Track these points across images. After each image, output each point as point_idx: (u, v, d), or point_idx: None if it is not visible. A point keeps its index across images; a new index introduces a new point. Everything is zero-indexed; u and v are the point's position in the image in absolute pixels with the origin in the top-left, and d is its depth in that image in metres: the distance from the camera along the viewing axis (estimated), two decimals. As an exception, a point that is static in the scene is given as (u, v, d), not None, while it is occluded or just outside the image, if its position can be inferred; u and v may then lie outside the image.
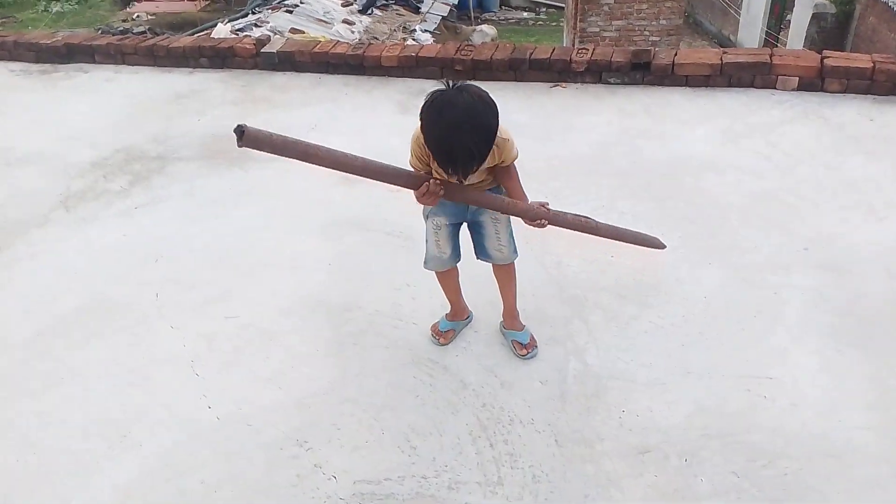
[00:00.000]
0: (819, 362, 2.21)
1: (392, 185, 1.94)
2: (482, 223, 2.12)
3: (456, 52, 4.33)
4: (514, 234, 2.16)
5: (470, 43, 5.70)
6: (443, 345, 2.31)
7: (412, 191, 1.90)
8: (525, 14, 21.09)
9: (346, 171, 1.84)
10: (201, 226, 3.06)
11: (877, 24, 11.55)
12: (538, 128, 3.69)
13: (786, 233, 2.80)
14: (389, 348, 2.34)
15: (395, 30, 12.51)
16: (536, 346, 2.26)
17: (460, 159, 1.74)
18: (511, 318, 2.29)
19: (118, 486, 1.93)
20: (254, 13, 12.58)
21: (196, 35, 10.41)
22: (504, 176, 2.02)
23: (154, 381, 2.27)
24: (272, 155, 3.63)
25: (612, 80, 4.13)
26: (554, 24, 19.70)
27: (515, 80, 4.25)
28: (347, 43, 4.88)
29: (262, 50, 4.61)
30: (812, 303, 2.45)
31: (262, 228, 3.03)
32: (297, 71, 4.55)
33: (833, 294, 2.48)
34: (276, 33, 10.51)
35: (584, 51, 4.24)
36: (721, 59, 3.92)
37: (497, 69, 4.24)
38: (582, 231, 2.23)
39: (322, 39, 10.36)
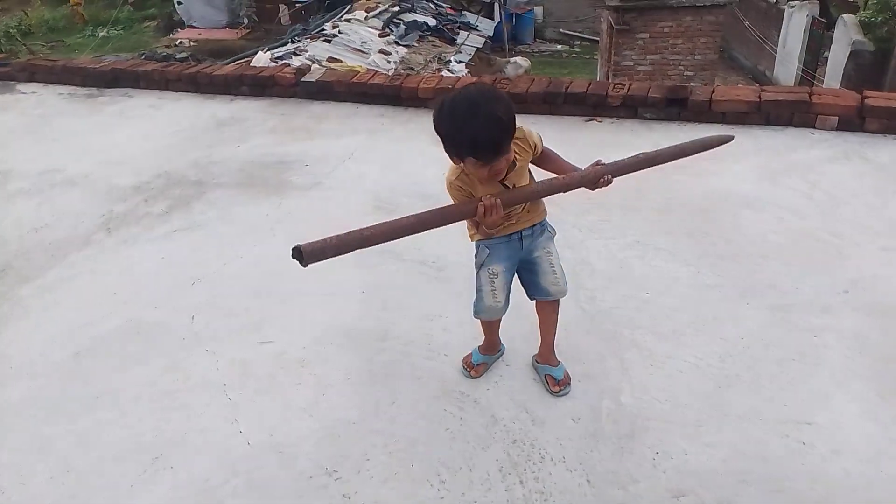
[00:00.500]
0: (862, 408, 2.15)
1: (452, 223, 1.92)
2: (536, 260, 2.09)
3: (492, 85, 4.37)
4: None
5: (505, 76, 5.75)
6: (474, 378, 2.30)
7: (476, 219, 1.85)
8: (559, 46, 21.25)
9: (406, 234, 1.84)
10: (238, 251, 3.10)
11: (917, 62, 11.40)
12: (573, 161, 3.67)
13: (827, 273, 2.75)
14: (421, 380, 2.33)
15: (430, 60, 12.68)
16: (570, 384, 2.23)
17: (488, 132, 1.68)
18: (547, 354, 2.27)
19: (150, 511, 1.94)
20: (293, 42, 12.86)
21: (237, 63, 10.69)
22: (546, 162, 2.02)
23: (188, 405, 2.29)
24: (310, 184, 3.70)
25: (647, 116, 4.13)
26: (588, 56, 19.81)
27: (550, 114, 4.27)
28: (385, 74, 4.97)
29: (301, 79, 4.71)
30: (854, 347, 2.39)
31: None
32: (335, 100, 4.64)
33: (876, 338, 2.41)
34: (314, 62, 10.73)
35: (620, 86, 4.25)
36: (759, 97, 3.90)
37: (532, 102, 4.26)
38: (647, 166, 2.17)
39: (359, 69, 10.55)
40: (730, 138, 2.29)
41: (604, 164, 1.97)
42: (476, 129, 1.68)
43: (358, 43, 12.70)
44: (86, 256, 3.16)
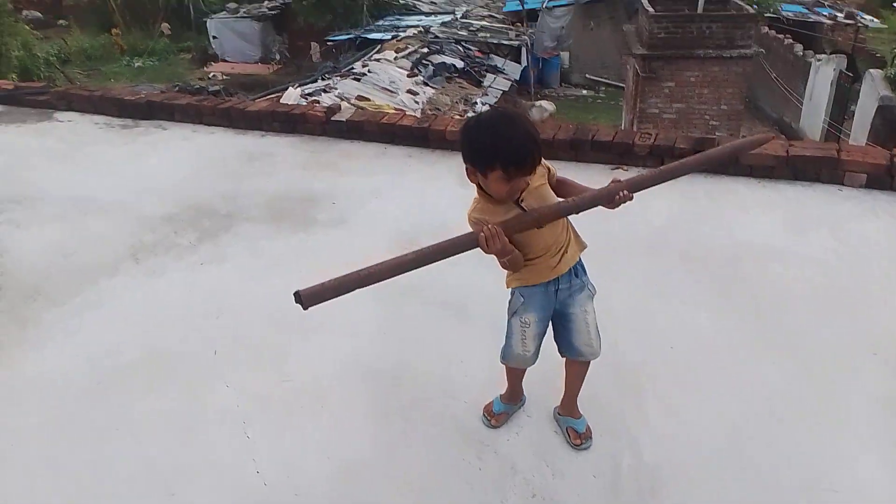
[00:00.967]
0: (889, 475, 2.09)
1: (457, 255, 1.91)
2: (571, 316, 2.05)
3: (519, 130, 4.41)
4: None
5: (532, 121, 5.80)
6: (494, 427, 2.27)
7: (483, 250, 1.83)
8: (584, 91, 21.46)
9: (406, 271, 1.85)
10: (263, 285, 3.13)
11: (946, 119, 11.34)
12: (599, 209, 3.69)
13: (854, 332, 2.70)
14: (438, 425, 2.32)
15: (456, 102, 12.87)
16: (591, 437, 2.20)
17: (522, 145, 1.71)
18: (570, 406, 2.24)
19: (162, 546, 1.93)
20: (323, 79, 13.14)
21: (267, 97, 10.92)
22: (563, 187, 2.01)
23: (206, 439, 2.29)
24: (336, 221, 3.73)
25: (674, 165, 4.13)
26: (613, 102, 19.96)
27: (576, 161, 4.29)
28: (414, 115, 5.04)
29: (332, 118, 4.79)
30: (882, 409, 2.34)
31: (321, 292, 3.08)
32: (363, 139, 4.70)
33: (905, 402, 2.36)
34: (343, 99, 10.93)
35: (647, 135, 4.27)
36: (787, 152, 3.89)
37: (558, 148, 4.29)
38: (670, 178, 2.09)
39: (387, 108, 10.74)
40: (768, 138, 2.17)
41: (622, 181, 1.92)
42: (511, 141, 1.71)
43: (386, 82, 12.94)
44: (113, 284, 3.20)
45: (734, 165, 3.98)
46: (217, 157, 4.61)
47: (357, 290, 2.79)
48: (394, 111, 8.65)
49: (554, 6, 21.80)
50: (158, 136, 5.08)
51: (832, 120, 15.26)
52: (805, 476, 2.08)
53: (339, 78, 13.13)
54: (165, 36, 28.08)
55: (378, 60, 14.62)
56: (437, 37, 17.91)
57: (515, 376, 2.26)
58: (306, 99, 11.13)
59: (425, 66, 14.78)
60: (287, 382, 2.54)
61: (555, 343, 2.15)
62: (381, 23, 21.47)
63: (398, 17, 22.59)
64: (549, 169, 1.95)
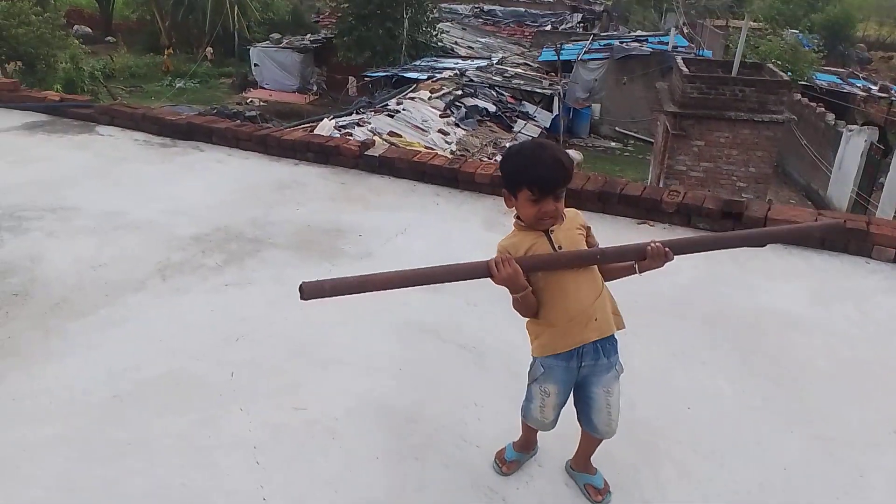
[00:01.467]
0: (909, 561, 2.04)
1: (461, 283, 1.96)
2: (592, 394, 2.01)
3: (548, 178, 4.46)
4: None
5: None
6: (505, 474, 2.25)
7: (492, 279, 1.85)
8: (613, 144, 21.61)
9: (409, 285, 1.89)
10: (284, 313, 3.16)
11: (977, 199, 11.24)
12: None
13: (876, 409, 2.66)
14: (450, 468, 2.30)
15: (486, 144, 13.01)
16: (610, 492, 2.18)
17: (549, 167, 1.80)
18: (584, 463, 2.21)
19: (165, 567, 1.93)
20: (357, 113, 13.37)
21: (302, 126, 11.13)
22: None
23: (217, 464, 2.29)
24: (361, 254, 3.77)
25: (700, 226, 4.14)
26: (640, 156, 20.06)
27: (603, 213, 4.31)
28: (445, 156, 5.11)
29: (365, 152, 4.87)
30: (902, 492, 2.28)
31: (341, 324, 3.10)
32: (394, 175, 4.77)
33: (927, 486, 2.31)
34: (375, 134, 11.10)
35: (675, 192, 4.28)
36: (815, 220, 3.88)
37: (586, 199, 4.32)
38: (714, 248, 2.09)
39: (418, 145, 10.88)
40: (840, 225, 2.14)
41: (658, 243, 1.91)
42: (539, 161, 1.81)
43: (419, 120, 13.13)
44: (138, 300, 3.25)
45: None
46: (250, 182, 4.70)
47: (375, 326, 2.81)
48: (425, 149, 8.77)
49: (589, 59, 22.11)
50: (195, 158, 5.19)
51: (860, 191, 15.18)
52: (820, 554, 2.03)
53: (373, 113, 13.37)
54: (209, 60, 28.87)
55: (412, 99, 14.87)
56: (471, 80, 18.22)
57: (531, 428, 2.24)
58: (340, 131, 11.33)
59: (458, 107, 15.00)
60: (301, 412, 2.54)
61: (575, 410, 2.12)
62: (418, 63, 21.90)
63: (436, 58, 23.03)
64: (588, 228, 1.99)
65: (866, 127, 16.25)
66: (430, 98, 15.04)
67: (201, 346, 2.92)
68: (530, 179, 1.81)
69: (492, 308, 3.08)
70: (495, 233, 4.03)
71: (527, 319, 1.99)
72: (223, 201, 4.37)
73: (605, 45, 23.61)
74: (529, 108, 18.41)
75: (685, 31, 28.83)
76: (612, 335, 1.98)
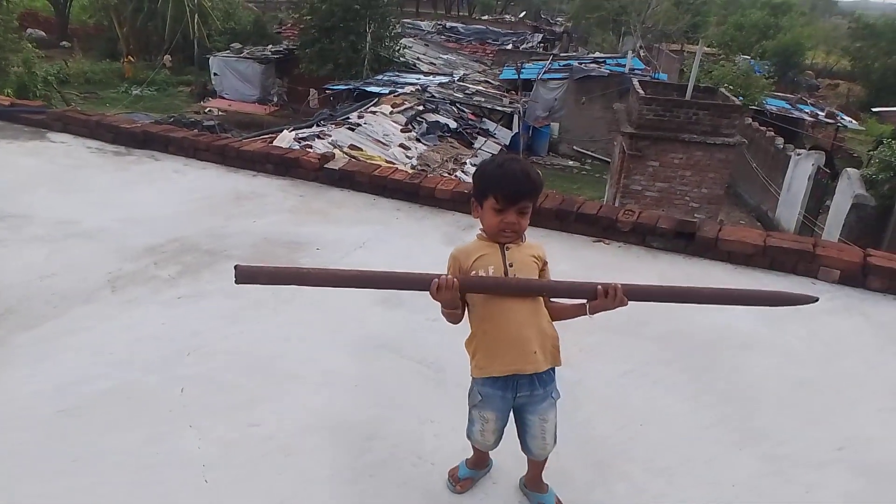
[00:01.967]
0: (851, 576, 2.09)
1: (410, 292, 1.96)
2: (528, 421, 2.01)
3: (508, 196, 4.49)
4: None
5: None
6: (459, 492, 2.24)
7: (431, 295, 1.85)
8: (571, 162, 21.95)
9: (347, 286, 1.87)
10: (239, 327, 3.11)
11: (917, 223, 11.73)
12: (580, 279, 3.73)
13: (822, 428, 2.73)
14: (405, 486, 2.28)
15: (446, 160, 13.06)
16: None
17: (517, 178, 1.85)
18: (536, 481, 2.21)
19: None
20: (318, 125, 13.30)
21: (262, 138, 11.01)
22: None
23: (165, 482, 2.23)
24: (319, 267, 3.73)
25: (654, 245, 4.22)
26: (598, 175, 20.40)
27: (560, 230, 4.37)
28: (405, 171, 5.12)
29: (325, 165, 4.85)
30: (846, 508, 2.35)
31: (298, 339, 3.07)
32: (354, 189, 4.76)
33: (870, 501, 2.38)
34: (336, 146, 11.05)
35: (630, 212, 4.36)
36: (765, 241, 3.99)
37: (544, 217, 4.37)
38: (675, 299, 2.01)
39: (378, 159, 10.87)
40: (812, 299, 1.96)
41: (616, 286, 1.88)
42: (508, 172, 1.87)
43: (380, 134, 13.13)
44: (87, 312, 3.16)
45: (713, 250, 4.08)
46: (207, 193, 4.63)
47: (332, 341, 2.77)
48: (385, 164, 8.77)
49: (549, 78, 22.46)
50: (150, 167, 5.09)
51: (808, 213, 15.69)
52: (767, 570, 2.07)
53: (333, 126, 13.31)
54: (168, 68, 28.42)
55: (374, 113, 14.87)
56: (433, 96, 18.31)
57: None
58: (300, 143, 11.25)
59: (419, 122, 15.05)
60: (253, 429, 2.49)
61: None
62: (380, 77, 21.94)
63: (398, 73, 23.10)
64: (545, 263, 1.99)
65: (814, 151, 16.86)
66: (391, 112, 15.06)
67: (152, 360, 2.84)
68: (496, 188, 1.86)
69: (451, 326, 3.08)
70: (454, 247, 4.04)
71: (465, 337, 2.01)
72: (179, 212, 4.29)
73: (564, 65, 24.02)
74: (490, 125, 18.58)
75: (642, 54, 29.55)
76: (549, 370, 1.97)
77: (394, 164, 10.61)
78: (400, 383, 2.81)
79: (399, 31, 27.61)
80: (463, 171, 12.95)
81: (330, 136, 12.38)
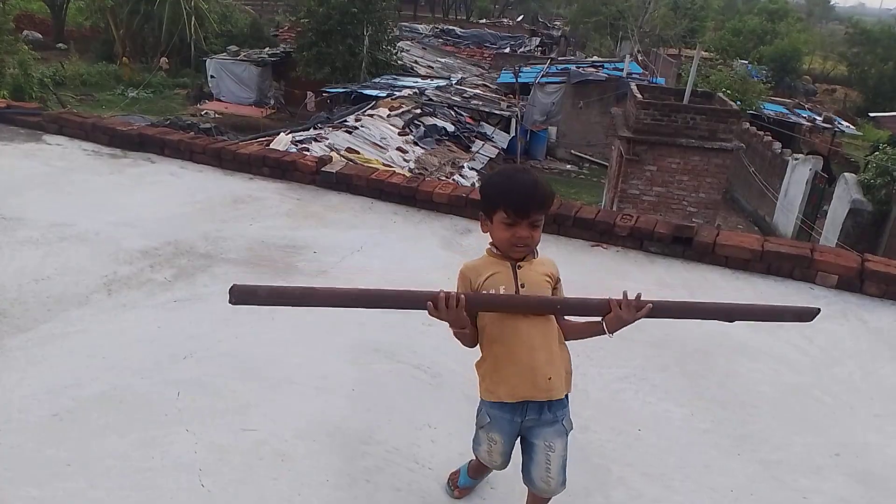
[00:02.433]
0: (849, 583, 2.08)
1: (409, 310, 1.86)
2: (533, 446, 1.91)
3: (505, 200, 4.49)
4: (566, 463, 1.94)
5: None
6: (457, 498, 2.23)
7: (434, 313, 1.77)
8: (568, 166, 21.97)
9: (351, 306, 1.79)
10: (234, 331, 3.09)
11: (912, 228, 11.76)
12: (577, 284, 3.69)
13: (818, 433, 2.73)
14: (402, 491, 2.27)
15: (444, 164, 13.06)
16: None
17: (526, 189, 1.77)
18: None
19: None
20: (316, 128, 13.29)
21: (258, 141, 11.00)
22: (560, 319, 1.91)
23: (159, 487, 2.21)
24: (316, 271, 3.72)
25: (652, 249, 4.22)
26: (595, 179, 20.42)
27: (557, 234, 4.36)
28: (403, 174, 5.11)
29: (322, 168, 4.84)
30: (843, 514, 2.34)
31: (294, 343, 3.05)
32: (351, 193, 4.75)
33: (866, 508, 2.38)
34: (333, 150, 11.04)
35: (628, 217, 4.36)
36: (762, 246, 3.99)
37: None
38: (690, 316, 1.98)
39: (376, 162, 10.87)
40: (813, 312, 1.97)
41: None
42: (517, 184, 1.79)
43: (377, 138, 13.13)
44: (82, 315, 3.14)
45: (710, 255, 4.08)
46: (203, 196, 4.61)
47: (329, 345, 2.74)
48: (383, 167, 8.77)
49: (547, 82, 22.50)
50: (146, 169, 5.08)
51: (805, 218, 15.72)
52: (764, 576, 2.07)
53: (331, 129, 13.31)
54: (164, 70, 28.40)
55: (371, 116, 14.87)
56: (431, 99, 18.32)
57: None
58: (297, 146, 11.24)
59: (417, 126, 15.06)
60: (249, 433, 2.48)
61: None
62: (377, 80, 21.95)
63: (395, 76, 23.12)
64: (558, 280, 1.91)
65: (811, 156, 16.91)
66: (389, 116, 15.06)
67: (147, 363, 2.83)
68: (506, 201, 1.78)
69: (447, 329, 3.07)
70: (452, 252, 4.04)
71: (476, 360, 1.93)
72: (174, 215, 4.28)
73: (562, 69, 24.07)
74: (487, 128, 18.59)
75: (639, 58, 29.61)
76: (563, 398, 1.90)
77: (391, 167, 10.61)
78: (396, 388, 2.80)
79: (396, 34, 27.63)
80: (461, 175, 12.96)
81: (327, 139, 12.37)
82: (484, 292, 1.82)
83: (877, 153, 14.37)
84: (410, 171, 11.69)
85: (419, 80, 22.97)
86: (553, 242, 4.23)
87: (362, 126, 13.69)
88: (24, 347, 2.88)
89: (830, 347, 3.33)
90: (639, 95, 13.22)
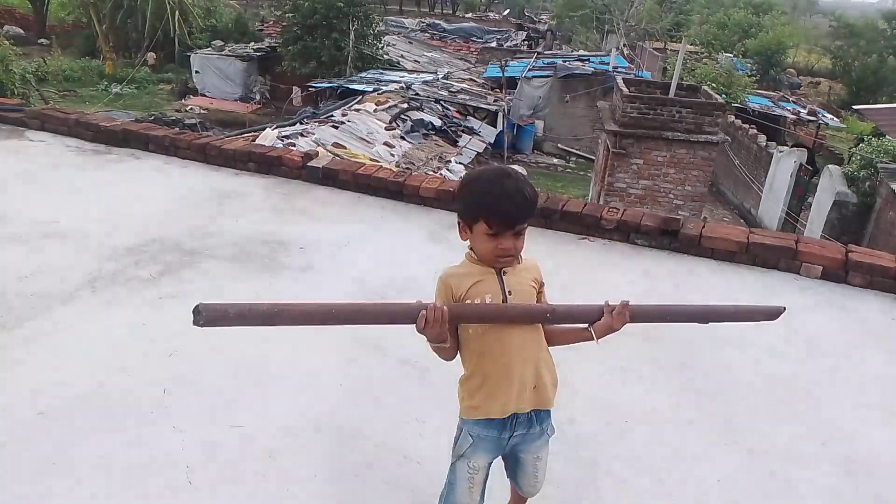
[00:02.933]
0: (834, 570, 2.11)
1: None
2: (522, 460, 1.87)
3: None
4: None
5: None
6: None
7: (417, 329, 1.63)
8: (555, 160, 21.98)
9: (327, 323, 1.63)
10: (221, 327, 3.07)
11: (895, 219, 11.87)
12: (565, 277, 3.74)
13: (804, 423, 2.75)
14: (390, 485, 2.27)
15: (431, 158, 13.04)
16: None
17: (510, 196, 1.60)
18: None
19: None
20: (301, 123, 13.22)
21: (244, 136, 10.94)
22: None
23: (146, 485, 2.20)
24: (303, 267, 3.70)
25: (638, 242, 4.23)
26: (582, 173, 20.47)
27: (545, 228, 4.36)
28: (390, 169, 5.09)
29: (308, 163, 4.81)
30: (828, 501, 2.37)
31: (281, 339, 3.03)
32: (338, 188, 4.73)
33: (850, 494, 2.40)
34: (319, 144, 10.99)
35: (614, 210, 4.37)
36: (748, 238, 4.02)
37: (529, 215, 4.36)
38: (671, 319, 1.93)
39: (363, 157, 10.83)
40: (780, 311, 1.99)
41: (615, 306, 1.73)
42: (501, 192, 1.61)
43: (364, 133, 13.08)
44: (66, 313, 3.11)
45: (697, 247, 4.10)
46: (188, 192, 4.58)
47: (316, 340, 2.72)
48: (370, 162, 8.75)
49: (533, 76, 22.49)
50: (130, 165, 5.03)
51: (790, 210, 15.84)
52: (751, 565, 2.08)
53: (317, 124, 13.24)
54: (148, 65, 28.13)
55: (358, 111, 14.81)
56: (417, 94, 18.28)
57: None
58: (283, 141, 11.18)
59: (404, 120, 15.01)
60: (237, 430, 2.47)
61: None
62: (364, 75, 21.86)
63: (382, 71, 23.03)
64: (542, 284, 1.81)
65: (796, 149, 17.01)
66: (375, 110, 15.01)
67: (132, 361, 2.81)
68: (489, 212, 1.62)
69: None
70: (440, 246, 4.03)
71: (459, 378, 1.82)
72: (159, 211, 4.24)
73: (548, 63, 24.06)
74: (474, 123, 18.57)
75: (625, 52, 29.66)
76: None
77: (378, 162, 10.58)
78: (384, 383, 2.80)
79: (383, 28, 27.51)
80: (448, 170, 12.94)
81: (313, 134, 12.31)
82: (468, 302, 1.68)
83: (861, 145, 14.48)
84: (397, 165, 11.66)
85: (406, 74, 22.91)
86: (540, 236, 4.24)
87: (349, 121, 13.63)
88: (7, 346, 2.85)
89: (816, 338, 3.36)
90: (625, 89, 13.25)
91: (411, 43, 31.01)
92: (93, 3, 27.99)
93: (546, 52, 29.21)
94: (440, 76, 22.59)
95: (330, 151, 10.48)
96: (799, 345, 3.30)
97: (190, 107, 23.77)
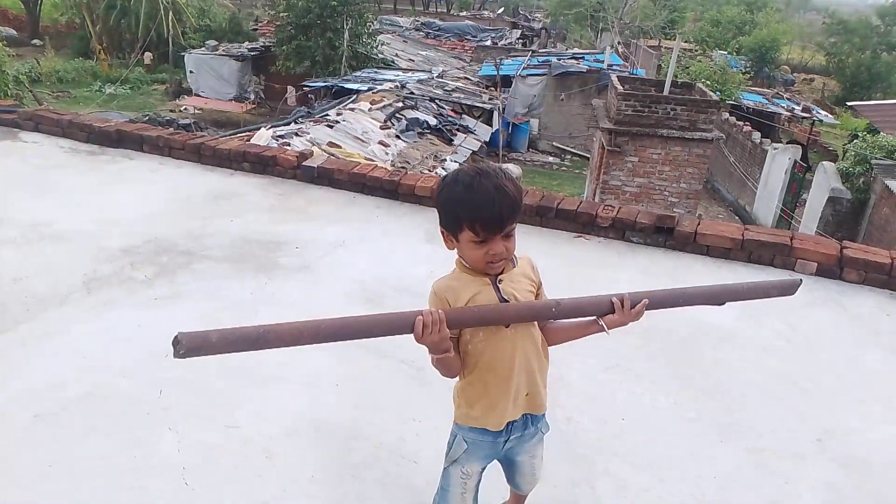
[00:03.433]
0: (832, 567, 2.11)
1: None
2: (518, 462, 1.86)
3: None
4: None
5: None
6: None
7: (415, 338, 1.55)
8: (550, 158, 21.99)
9: (317, 342, 1.55)
10: (218, 327, 3.05)
11: (890, 215, 11.91)
12: (561, 276, 3.73)
13: (801, 420, 2.76)
14: (388, 486, 2.27)
15: (426, 157, 13.03)
16: None
17: (493, 200, 1.49)
18: None
19: None
20: (296, 123, 13.19)
21: (238, 136, 10.91)
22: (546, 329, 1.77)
23: (144, 487, 2.19)
24: (299, 267, 3.69)
25: (634, 240, 4.24)
26: (577, 171, 20.47)
27: (540, 226, 4.37)
28: (385, 168, 5.09)
29: (303, 163, 4.80)
30: (826, 498, 2.37)
31: (278, 339, 3.02)
32: (333, 187, 4.72)
33: (848, 492, 2.40)
34: (314, 144, 10.97)
35: (609, 208, 4.38)
36: (743, 235, 4.03)
37: (524, 213, 4.36)
38: (681, 304, 1.89)
39: (357, 156, 10.82)
40: (796, 283, 1.92)
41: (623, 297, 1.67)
42: (481, 194, 1.50)
43: (359, 132, 13.05)
44: (62, 315, 3.10)
45: (692, 244, 4.10)
46: (183, 192, 4.56)
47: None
48: (365, 161, 8.72)
49: (528, 75, 22.49)
50: (125, 166, 5.01)
51: (785, 207, 15.88)
52: (750, 562, 2.09)
53: (312, 123, 13.21)
54: (142, 66, 28.04)
55: (353, 110, 14.78)
56: (412, 93, 18.25)
57: None
58: (277, 141, 11.15)
59: (399, 119, 14.99)
60: (234, 431, 2.46)
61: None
62: (358, 74, 21.82)
63: (376, 70, 22.99)
64: (539, 284, 1.74)
65: (790, 145, 17.06)
66: (370, 109, 14.97)
67: (129, 362, 2.80)
68: (472, 218, 1.51)
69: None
70: (436, 245, 4.01)
71: (454, 383, 1.74)
72: (154, 212, 4.23)
73: (543, 61, 24.05)
74: (470, 121, 18.55)
75: (620, 50, 29.70)
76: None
77: (373, 161, 10.56)
78: (382, 383, 2.80)
79: (377, 27, 27.46)
80: (443, 168, 12.92)
81: (308, 133, 12.28)
82: None
83: (855, 142, 14.53)
84: (392, 164, 11.65)
85: (400, 73, 22.87)
86: (536, 234, 4.24)
87: (343, 120, 13.60)
88: (4, 348, 2.84)
89: (812, 334, 3.37)
90: (619, 87, 13.25)
91: (406, 42, 30.96)
92: (86, 4, 27.90)
93: (541, 51, 29.21)
94: (435, 75, 22.56)
95: (325, 151, 10.46)
96: (797, 342, 3.31)
97: (184, 107, 23.70)
